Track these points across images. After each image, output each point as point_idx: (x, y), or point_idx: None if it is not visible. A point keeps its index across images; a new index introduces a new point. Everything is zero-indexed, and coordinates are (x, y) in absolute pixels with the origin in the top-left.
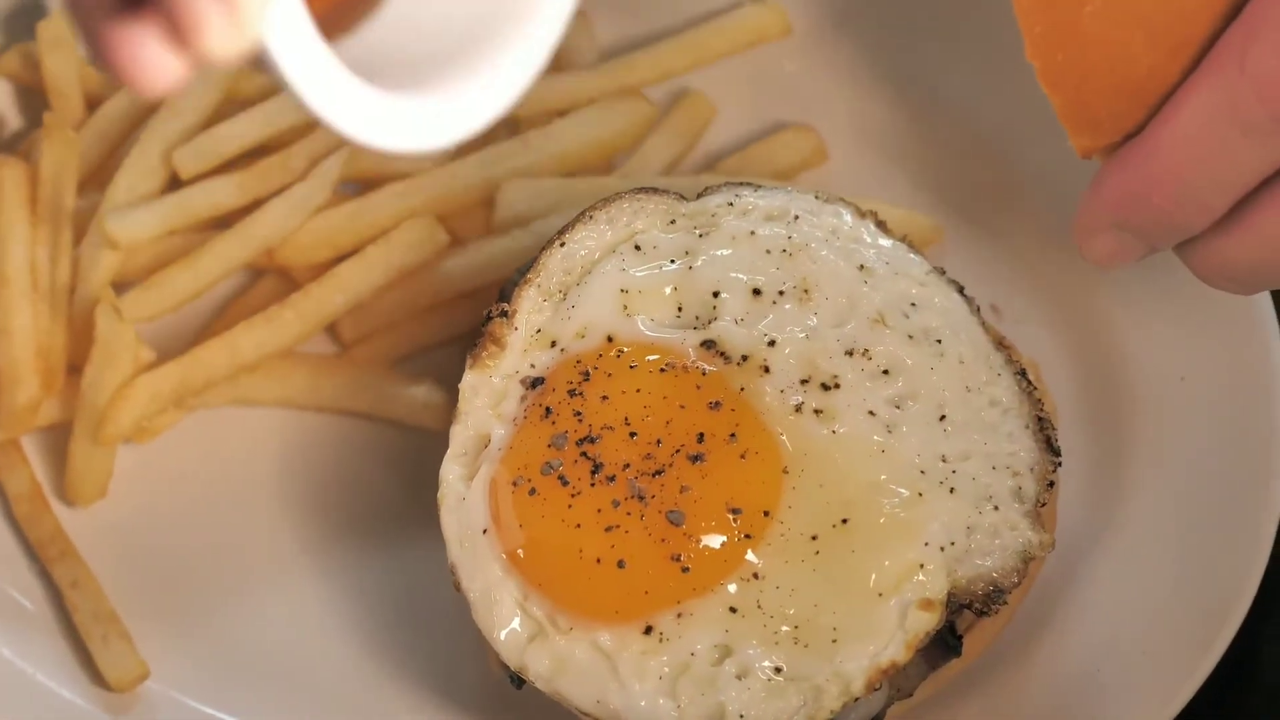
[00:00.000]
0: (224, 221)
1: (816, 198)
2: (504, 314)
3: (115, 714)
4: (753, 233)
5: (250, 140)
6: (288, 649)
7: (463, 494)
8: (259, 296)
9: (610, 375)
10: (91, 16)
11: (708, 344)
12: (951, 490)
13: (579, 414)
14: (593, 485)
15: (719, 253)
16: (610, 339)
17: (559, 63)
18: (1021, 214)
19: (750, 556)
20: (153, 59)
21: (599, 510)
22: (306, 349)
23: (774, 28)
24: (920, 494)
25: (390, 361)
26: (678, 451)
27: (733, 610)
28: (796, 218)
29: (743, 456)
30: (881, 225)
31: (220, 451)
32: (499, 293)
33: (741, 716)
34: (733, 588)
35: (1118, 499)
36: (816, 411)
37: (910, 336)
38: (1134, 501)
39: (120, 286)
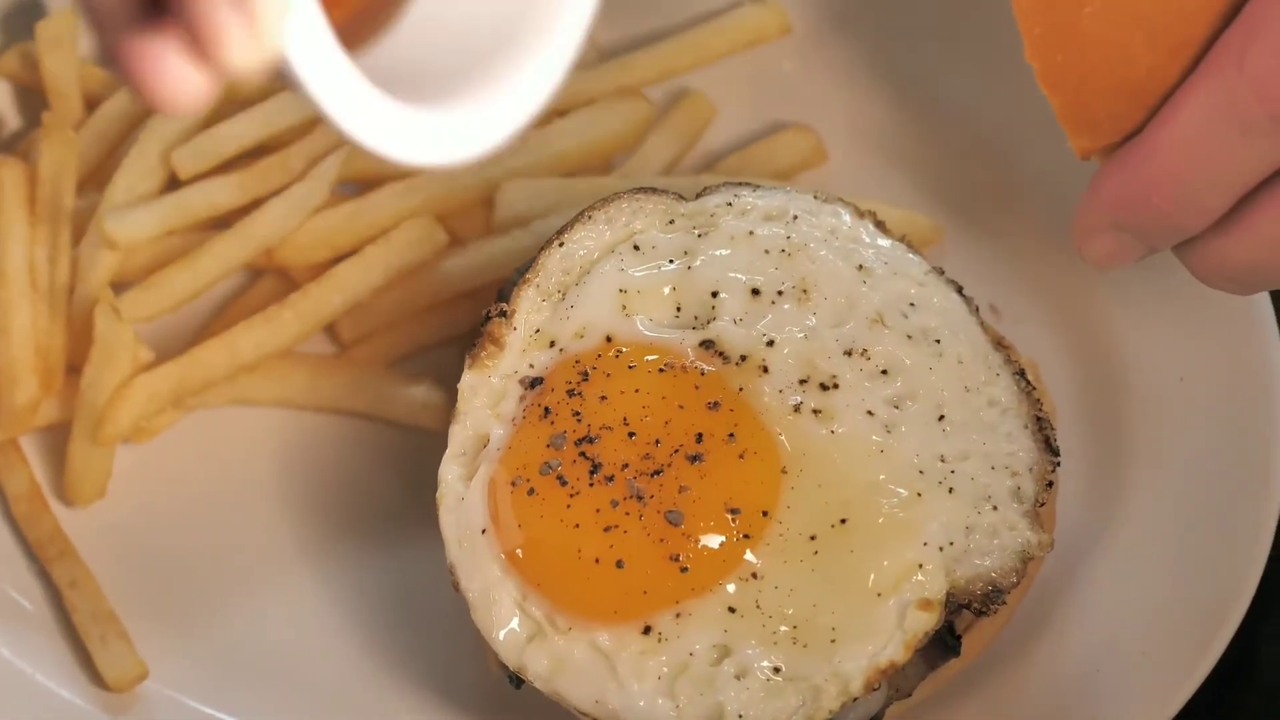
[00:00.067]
0: (223, 221)
1: (815, 198)
2: (503, 314)
3: (114, 714)
4: (751, 233)
5: (249, 140)
6: (286, 649)
7: (461, 494)
8: (258, 296)
9: (609, 375)
10: (111, 29)
11: (706, 344)
12: (950, 490)
13: (578, 414)
14: (591, 485)
15: (718, 253)
16: (609, 339)
17: None
18: (1021, 214)
19: (749, 556)
20: (174, 72)
21: (597, 510)
22: (305, 349)
23: (773, 28)
24: (919, 494)
25: (389, 361)
26: (676, 451)
27: (731, 610)
28: (795, 218)
29: (741, 456)
30: (880, 225)
31: (219, 452)
32: (498, 293)
33: (740, 716)
34: (731, 588)
35: (1116, 499)
36: (815, 411)
37: (909, 336)
38: (1133, 501)
39: (119, 286)
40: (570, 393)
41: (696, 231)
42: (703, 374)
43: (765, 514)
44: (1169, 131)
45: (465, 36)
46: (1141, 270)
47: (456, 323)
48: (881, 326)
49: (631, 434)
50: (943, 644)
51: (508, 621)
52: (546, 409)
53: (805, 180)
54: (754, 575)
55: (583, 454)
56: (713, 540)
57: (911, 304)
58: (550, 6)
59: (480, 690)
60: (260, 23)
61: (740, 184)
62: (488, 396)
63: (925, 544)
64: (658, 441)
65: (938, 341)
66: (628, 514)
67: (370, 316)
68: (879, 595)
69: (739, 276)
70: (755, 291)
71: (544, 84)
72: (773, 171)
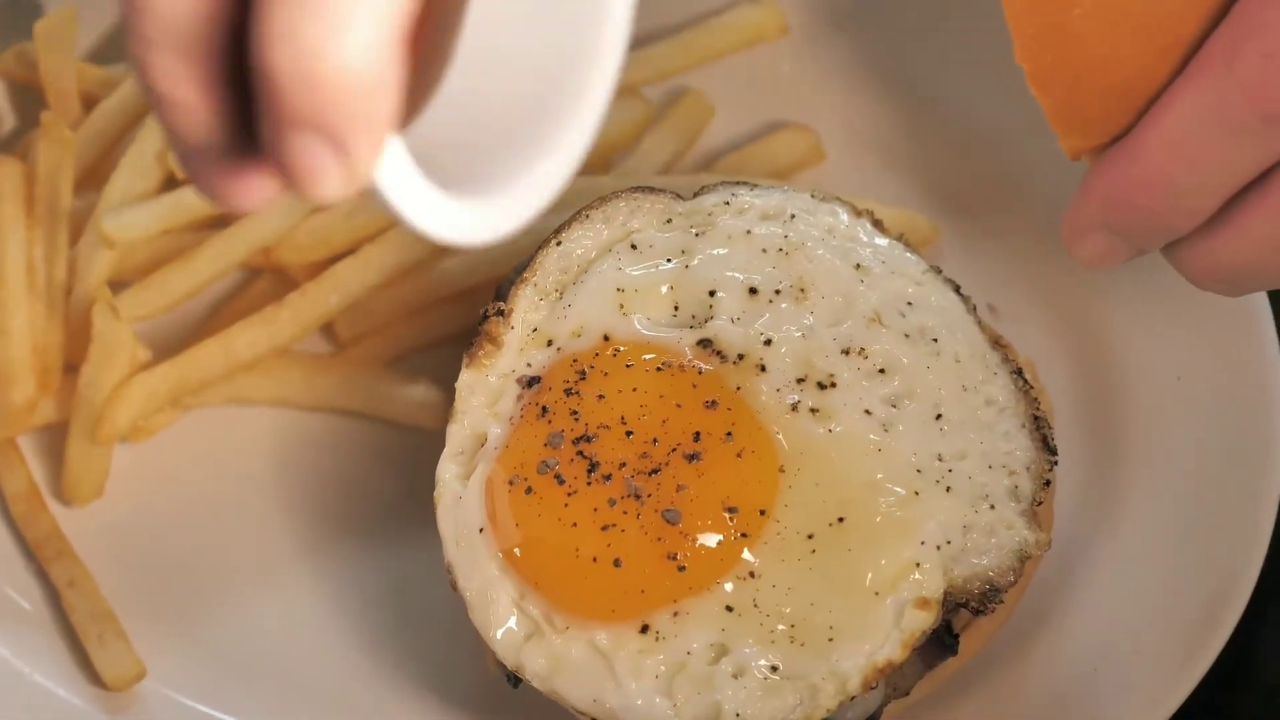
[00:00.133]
0: (220, 221)
1: (813, 197)
2: (500, 313)
3: (112, 713)
4: (749, 232)
5: None
6: (284, 648)
7: (459, 493)
8: (255, 296)
9: (606, 374)
10: (201, 163)
11: (704, 343)
12: (948, 489)
13: (575, 413)
14: (589, 484)
15: (715, 252)
16: (606, 338)
17: None
18: (1018, 213)
19: (746, 555)
20: (262, 198)
21: (595, 509)
22: (303, 348)
23: (771, 27)
24: (916, 493)
25: (386, 361)
26: (674, 450)
27: (729, 609)
28: (793, 217)
29: (739, 455)
30: (878, 224)
31: (217, 451)
32: (495, 292)
33: (738, 715)
34: (729, 586)
35: (1114, 498)
36: (813, 410)
37: (906, 335)
38: (1130, 500)
39: (117, 286)
40: (568, 391)
41: (694, 230)
42: (700, 373)
43: (763, 513)
44: (1158, 132)
45: (503, 103)
46: (1139, 269)
47: (454, 322)
48: (879, 325)
49: (629, 433)
50: (940, 643)
51: (505, 620)
52: (544, 408)
53: (803, 179)
54: (751, 574)
55: (580, 453)
56: (710, 539)
57: (909, 303)
58: (578, 78)
59: (478, 689)
60: (356, 160)
61: (738, 183)
62: (485, 395)
63: (923, 543)
64: (655, 440)
65: (935, 340)
66: (625, 513)
67: (367, 316)
68: (876, 594)
69: (736, 275)
70: (753, 290)
71: (576, 148)
72: (770, 171)
